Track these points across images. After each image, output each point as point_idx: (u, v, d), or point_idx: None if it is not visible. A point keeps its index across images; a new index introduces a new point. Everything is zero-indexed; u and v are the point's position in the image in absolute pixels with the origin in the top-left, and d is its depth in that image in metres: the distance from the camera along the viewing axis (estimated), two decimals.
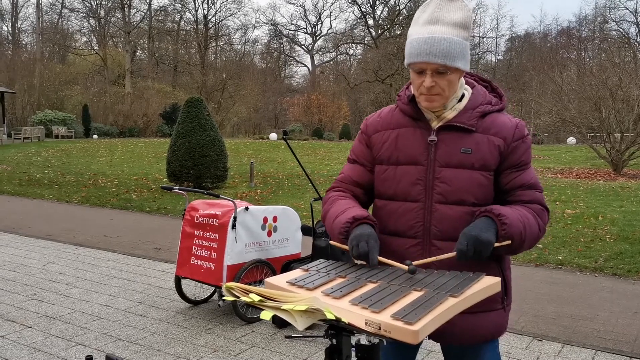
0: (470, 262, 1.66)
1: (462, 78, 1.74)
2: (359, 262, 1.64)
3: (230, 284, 1.39)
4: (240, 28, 71.76)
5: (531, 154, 1.76)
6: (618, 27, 50.71)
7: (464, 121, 1.70)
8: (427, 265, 1.66)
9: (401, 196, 1.76)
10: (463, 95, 1.75)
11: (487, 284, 1.50)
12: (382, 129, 1.82)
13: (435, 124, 1.74)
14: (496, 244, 1.58)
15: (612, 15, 51.69)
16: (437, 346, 3.60)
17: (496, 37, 71.72)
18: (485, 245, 1.55)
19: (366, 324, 1.27)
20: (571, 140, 32.60)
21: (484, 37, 60.43)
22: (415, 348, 1.92)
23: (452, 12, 1.64)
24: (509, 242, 1.59)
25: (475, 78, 1.86)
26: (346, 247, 1.67)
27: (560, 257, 6.30)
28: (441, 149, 1.71)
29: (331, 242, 1.76)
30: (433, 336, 1.67)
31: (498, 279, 1.55)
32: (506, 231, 1.59)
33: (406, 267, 1.54)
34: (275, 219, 4.38)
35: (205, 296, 4.67)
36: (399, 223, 1.76)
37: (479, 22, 56.49)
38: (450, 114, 1.72)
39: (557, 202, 10.66)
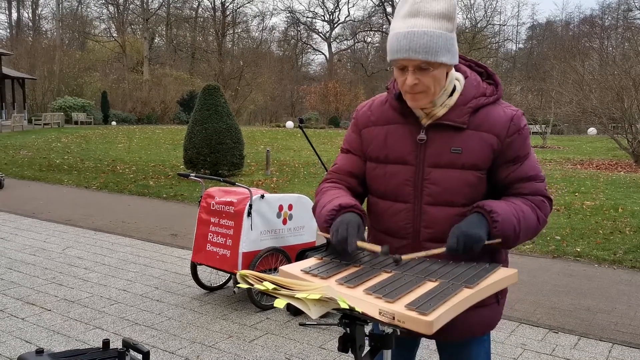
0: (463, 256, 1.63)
1: (453, 71, 1.63)
2: (339, 248, 1.56)
3: (244, 271, 1.39)
4: (258, 15, 71.73)
5: (529, 144, 1.66)
6: None
7: (454, 119, 1.61)
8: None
9: (391, 196, 1.70)
10: (454, 89, 1.64)
11: (503, 275, 1.48)
12: (371, 124, 1.75)
13: (425, 122, 1.65)
14: (487, 242, 1.54)
15: (636, 3, 50.51)
16: None
17: (517, 25, 70.94)
18: (476, 241, 1.50)
19: (380, 313, 1.26)
20: (592, 130, 32.08)
21: (504, 25, 59.57)
22: (414, 344, 1.91)
23: (434, 3, 1.51)
24: (499, 240, 1.55)
25: (470, 63, 1.74)
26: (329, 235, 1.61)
27: (579, 249, 6.22)
28: (431, 148, 1.63)
29: (318, 232, 1.74)
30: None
31: (515, 271, 1.53)
32: (498, 228, 1.54)
33: (379, 249, 1.54)
34: (290, 207, 4.38)
35: (221, 283, 4.71)
36: (390, 223, 1.72)
37: (499, 10, 55.62)
38: (440, 111, 1.63)
39: (577, 194, 10.51)
